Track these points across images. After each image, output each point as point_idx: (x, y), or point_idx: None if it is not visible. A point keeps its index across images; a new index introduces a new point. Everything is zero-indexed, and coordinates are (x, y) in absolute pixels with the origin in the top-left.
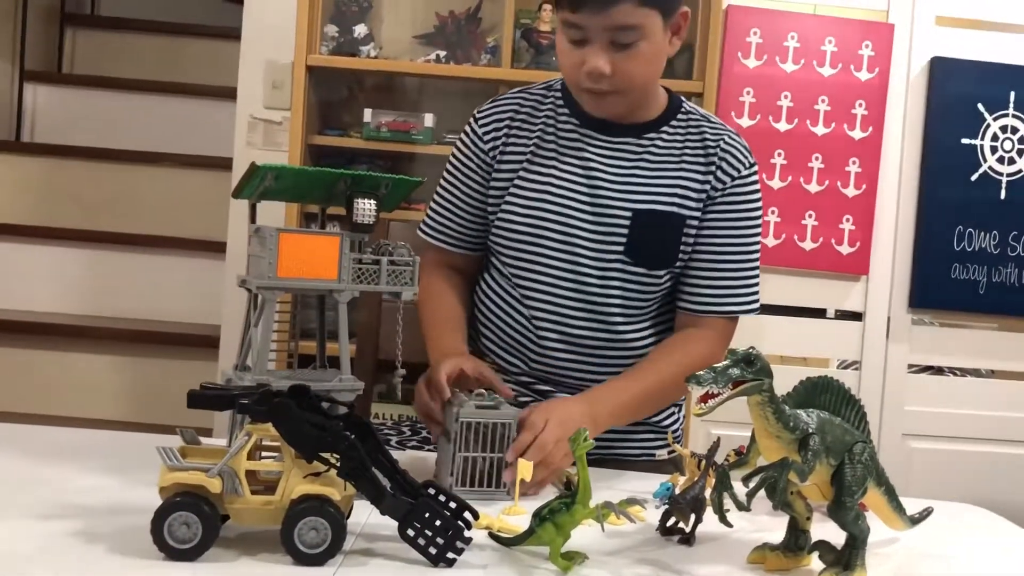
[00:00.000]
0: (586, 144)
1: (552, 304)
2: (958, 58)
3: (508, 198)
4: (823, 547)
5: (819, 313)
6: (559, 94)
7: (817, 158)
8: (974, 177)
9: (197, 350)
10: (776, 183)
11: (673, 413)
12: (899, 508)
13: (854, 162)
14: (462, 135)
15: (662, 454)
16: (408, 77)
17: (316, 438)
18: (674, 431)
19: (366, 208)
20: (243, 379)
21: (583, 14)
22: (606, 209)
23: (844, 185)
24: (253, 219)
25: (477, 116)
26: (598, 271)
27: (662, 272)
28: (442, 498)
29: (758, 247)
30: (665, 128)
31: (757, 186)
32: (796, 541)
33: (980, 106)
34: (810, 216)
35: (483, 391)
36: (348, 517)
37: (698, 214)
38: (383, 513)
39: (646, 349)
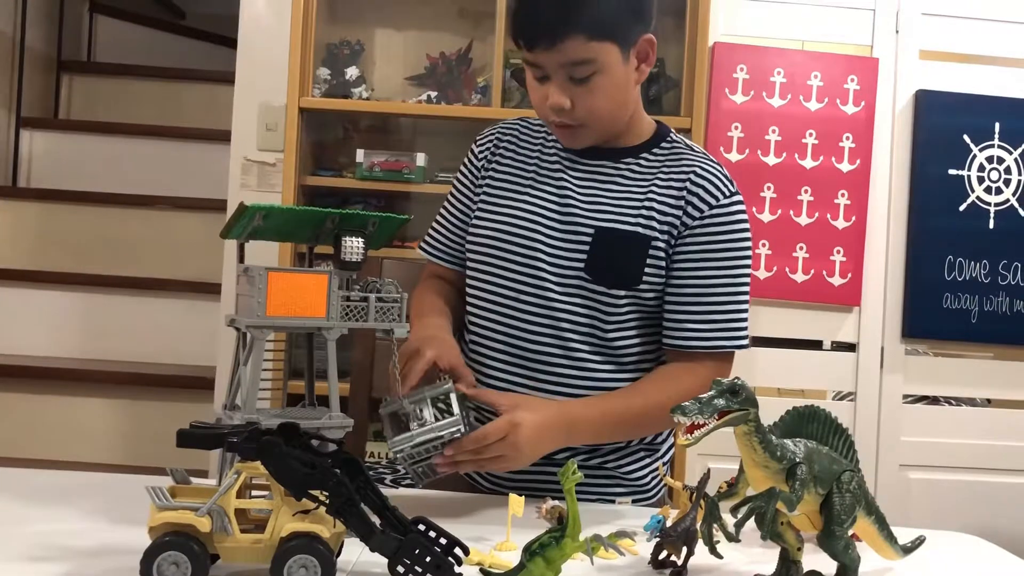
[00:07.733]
0: (565, 168)
1: (514, 321)
2: (943, 90)
3: (481, 213)
4: None
5: (815, 345)
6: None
7: (806, 191)
8: (962, 207)
9: (192, 392)
10: (766, 216)
11: (645, 463)
12: (890, 537)
13: (843, 194)
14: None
15: (624, 502)
16: (400, 118)
17: (304, 475)
18: (641, 481)
19: (354, 246)
20: (233, 418)
21: (536, 52)
22: (573, 226)
23: (834, 217)
24: (242, 259)
25: (476, 138)
26: (560, 287)
27: (621, 293)
28: (432, 534)
29: (745, 281)
30: (644, 154)
31: (740, 217)
32: (788, 572)
33: (966, 137)
34: (801, 248)
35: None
36: (338, 554)
37: (666, 238)
38: (373, 550)
39: (607, 381)
